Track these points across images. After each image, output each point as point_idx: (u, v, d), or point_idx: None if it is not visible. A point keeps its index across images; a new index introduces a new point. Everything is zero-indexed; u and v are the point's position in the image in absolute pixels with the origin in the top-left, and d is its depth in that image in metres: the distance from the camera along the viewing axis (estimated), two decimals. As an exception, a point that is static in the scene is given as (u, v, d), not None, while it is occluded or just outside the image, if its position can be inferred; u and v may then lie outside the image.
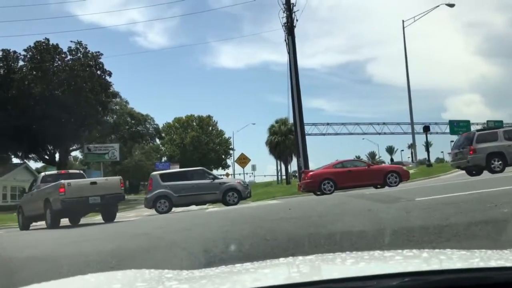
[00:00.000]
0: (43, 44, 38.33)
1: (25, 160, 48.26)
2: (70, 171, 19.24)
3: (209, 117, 77.52)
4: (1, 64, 37.59)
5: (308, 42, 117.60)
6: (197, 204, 17.89)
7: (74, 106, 36.24)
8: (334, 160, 19.29)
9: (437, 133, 53.80)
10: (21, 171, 41.51)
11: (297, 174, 58.77)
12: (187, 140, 72.91)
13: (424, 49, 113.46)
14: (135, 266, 2.82)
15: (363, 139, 67.91)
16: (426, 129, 38.60)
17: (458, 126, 47.99)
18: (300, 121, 25.22)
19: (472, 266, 1.24)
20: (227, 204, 17.07)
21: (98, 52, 40.43)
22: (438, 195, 9.39)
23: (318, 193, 17.42)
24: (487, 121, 52.16)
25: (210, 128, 76.77)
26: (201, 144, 72.50)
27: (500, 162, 16.75)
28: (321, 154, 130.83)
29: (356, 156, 76.60)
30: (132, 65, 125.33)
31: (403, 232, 5.70)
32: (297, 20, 26.05)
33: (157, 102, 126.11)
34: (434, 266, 1.32)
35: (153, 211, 17.30)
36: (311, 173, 18.10)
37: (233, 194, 17.34)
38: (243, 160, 36.80)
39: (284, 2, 26.21)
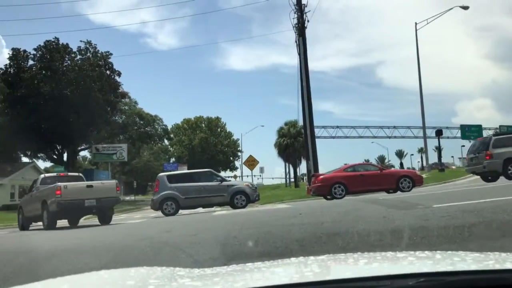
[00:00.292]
0: (53, 43, 38.35)
1: (33, 159, 48.44)
2: (70, 173, 19.39)
3: (217, 118, 77.43)
4: (11, 63, 37.62)
5: (318, 45, 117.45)
6: (204, 207, 17.53)
7: (83, 105, 36.14)
8: (342, 163, 18.89)
9: (448, 137, 53.11)
10: (29, 170, 41.50)
11: (305, 177, 58.38)
12: (195, 141, 72.79)
13: (435, 52, 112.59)
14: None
15: (372, 142, 67.52)
16: (439, 133, 37.89)
17: (469, 131, 47.40)
18: (310, 123, 24.80)
19: (487, 268, 1.24)
20: (235, 207, 16.70)
21: (108, 52, 40.43)
22: (456, 202, 8.98)
23: (329, 197, 17.00)
24: (500, 126, 51.41)
25: (219, 129, 76.65)
26: (209, 145, 72.35)
27: (517, 168, 16.24)
28: (329, 157, 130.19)
29: (365, 160, 76.01)
30: (142, 66, 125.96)
31: (422, 242, 5.37)
32: (308, 21, 25.69)
33: (166, 103, 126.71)
34: (449, 267, 1.31)
35: (159, 213, 16.99)
36: (321, 176, 17.64)
37: (241, 197, 16.97)
38: (251, 162, 36.43)
39: (295, 3, 25.85)
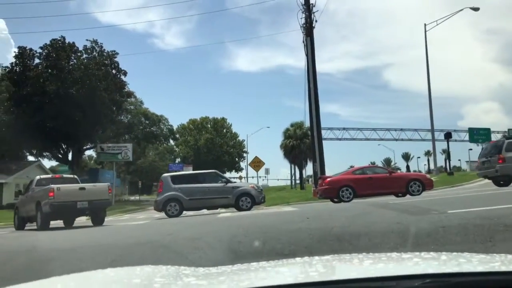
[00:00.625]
0: (59, 42, 38.21)
1: (39, 158, 48.36)
2: (65, 175, 19.88)
3: (223, 119, 77.29)
4: (17, 62, 37.48)
5: (324, 47, 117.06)
6: (208, 209, 17.20)
7: (88, 105, 35.95)
8: (348, 165, 18.47)
9: (455, 140, 52.57)
10: (34, 169, 41.35)
11: (310, 179, 58.01)
12: (201, 142, 72.65)
13: (442, 55, 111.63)
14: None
15: (378, 145, 66.92)
16: (448, 135, 37.34)
17: (478, 134, 46.93)
18: (317, 124, 24.42)
19: (493, 270, 1.22)
20: (240, 209, 16.36)
21: (114, 51, 40.25)
22: (471, 208, 8.60)
23: (336, 200, 16.61)
24: (508, 129, 50.79)
25: (225, 130, 76.46)
26: (215, 146, 72.18)
27: (531, 172, 15.80)
28: (335, 160, 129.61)
29: (371, 162, 75.48)
30: (148, 66, 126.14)
31: (441, 251, 4.96)
32: (316, 21, 25.33)
33: (172, 103, 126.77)
34: (455, 268, 1.31)
35: (163, 214, 16.69)
36: (329, 179, 17.24)
37: (246, 199, 16.61)
38: (257, 164, 36.09)
39: (303, 3, 25.50)
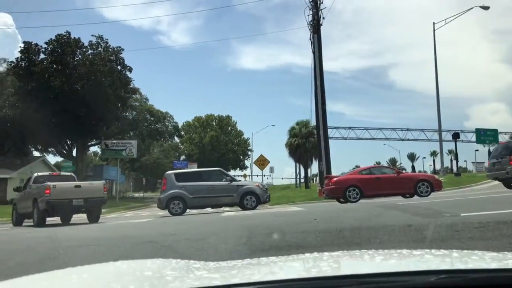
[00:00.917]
0: (64, 37, 38.01)
1: (44, 154, 48.30)
2: (62, 173, 20.23)
3: (228, 117, 77.11)
4: (23, 57, 37.32)
5: (330, 46, 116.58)
6: (212, 207, 16.93)
7: (93, 100, 35.76)
8: (353, 165, 18.11)
9: (462, 141, 52.07)
10: (38, 165, 41.29)
11: (314, 178, 57.63)
12: (206, 139, 72.52)
13: (448, 55, 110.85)
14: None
15: (384, 144, 66.56)
16: (456, 136, 36.82)
17: (485, 135, 46.42)
18: (323, 122, 24.11)
19: (508, 267, 1.21)
20: (244, 208, 16.09)
21: (119, 47, 40.00)
22: (485, 211, 8.30)
23: (342, 200, 16.30)
24: (517, 130, 50.15)
25: (229, 128, 76.27)
26: (219, 144, 72.04)
27: (543, 174, 15.42)
28: (339, 159, 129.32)
29: (376, 162, 75.02)
30: (154, 63, 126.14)
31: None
32: (323, 18, 25.01)
33: (177, 100, 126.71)
34: (469, 265, 1.29)
35: (167, 212, 16.44)
36: (335, 178, 16.91)
37: (251, 198, 16.34)
38: (262, 162, 35.80)
39: (310, 0, 25.17)
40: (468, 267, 1.23)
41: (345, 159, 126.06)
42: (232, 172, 58.64)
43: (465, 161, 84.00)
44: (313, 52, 24.88)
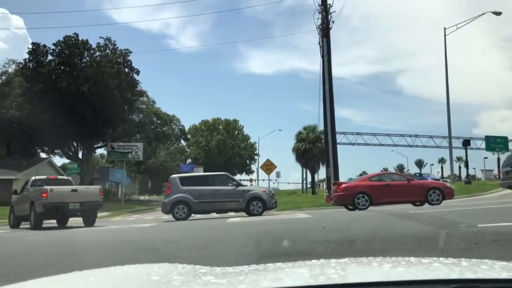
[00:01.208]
0: (72, 39, 37.95)
1: (50, 155, 48.23)
2: (59, 176, 20.67)
3: (235, 121, 76.85)
4: (30, 58, 37.29)
5: (338, 51, 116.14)
6: (218, 212, 16.57)
7: (100, 102, 35.64)
8: (360, 171, 17.72)
9: (471, 148, 51.38)
10: (44, 166, 41.16)
11: (321, 184, 56.96)
12: (212, 143, 72.29)
13: (457, 61, 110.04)
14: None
15: (392, 150, 65.93)
16: (466, 143, 36.22)
17: (494, 143, 45.81)
18: (331, 127, 23.70)
19: None
20: (250, 214, 15.73)
21: (127, 49, 39.87)
22: (503, 222, 7.92)
23: (351, 207, 15.89)
24: (526, 138, 49.49)
25: (236, 132, 76.00)
26: (226, 148, 71.76)
27: (558, 183, 14.95)
28: (346, 165, 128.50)
29: (383, 169, 74.39)
30: (161, 66, 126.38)
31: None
32: (333, 22, 24.63)
33: (184, 103, 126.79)
34: (479, 274, 1.27)
35: (171, 216, 16.12)
36: (344, 185, 16.51)
37: (257, 204, 15.97)
38: (268, 167, 35.41)
39: (320, 3, 24.85)
40: (478, 277, 1.20)
41: (352, 164, 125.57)
42: (238, 176, 58.23)
43: (473, 168, 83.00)
44: (322, 56, 24.52)
